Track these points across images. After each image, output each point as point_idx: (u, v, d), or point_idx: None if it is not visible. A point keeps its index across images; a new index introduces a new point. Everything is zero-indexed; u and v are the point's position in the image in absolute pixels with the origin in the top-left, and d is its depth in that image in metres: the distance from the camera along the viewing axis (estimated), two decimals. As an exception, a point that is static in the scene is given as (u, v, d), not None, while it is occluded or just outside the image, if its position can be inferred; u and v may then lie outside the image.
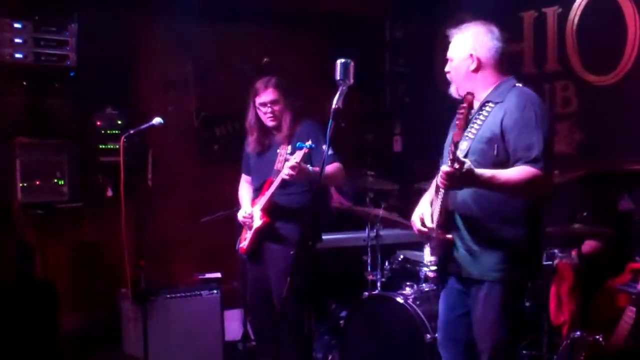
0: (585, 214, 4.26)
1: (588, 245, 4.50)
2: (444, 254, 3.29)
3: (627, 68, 4.93)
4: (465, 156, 3.10)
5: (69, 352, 4.99)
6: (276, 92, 4.32)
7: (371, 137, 7.01)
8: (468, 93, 2.94)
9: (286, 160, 4.09)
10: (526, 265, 3.21)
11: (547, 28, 5.39)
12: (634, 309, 3.93)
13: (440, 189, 3.12)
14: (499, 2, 5.60)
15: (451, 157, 2.88)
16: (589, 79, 5.16)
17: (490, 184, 3.04)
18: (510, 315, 3.20)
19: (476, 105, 3.28)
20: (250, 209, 4.40)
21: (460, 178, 2.93)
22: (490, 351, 3.19)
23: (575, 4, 5.18)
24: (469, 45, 3.28)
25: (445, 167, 2.92)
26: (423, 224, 3.29)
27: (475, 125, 3.19)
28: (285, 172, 4.02)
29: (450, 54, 3.36)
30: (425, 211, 3.33)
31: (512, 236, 3.15)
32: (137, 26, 5.73)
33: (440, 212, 3.18)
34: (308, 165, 4.07)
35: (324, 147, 4.18)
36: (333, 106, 3.07)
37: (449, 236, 3.21)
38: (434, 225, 3.22)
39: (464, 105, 2.89)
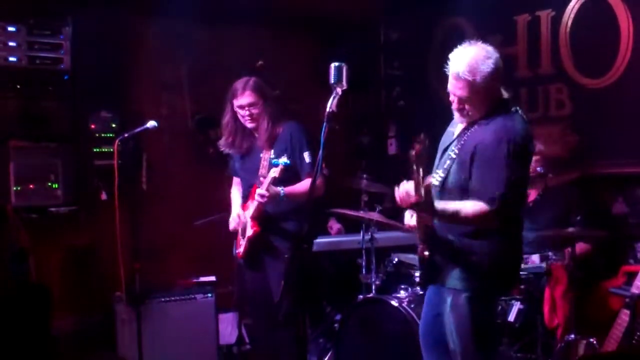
0: (579, 217, 4.27)
1: (578, 248, 4.52)
2: (423, 262, 3.38)
3: (620, 71, 4.94)
4: (448, 173, 3.23)
5: (64, 355, 4.98)
6: (254, 95, 4.28)
7: (366, 140, 7.01)
8: (414, 149, 3.00)
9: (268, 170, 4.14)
10: (493, 279, 3.27)
11: (540, 31, 5.41)
12: (627, 311, 3.94)
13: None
14: (492, 5, 5.62)
15: (415, 185, 3.03)
16: (582, 82, 5.18)
17: (448, 219, 3.19)
18: (476, 325, 3.25)
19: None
20: (241, 211, 4.42)
21: (423, 210, 3.11)
22: (459, 357, 3.28)
23: (569, 7, 5.19)
24: (489, 78, 3.18)
25: (410, 193, 3.08)
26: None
27: (458, 146, 3.27)
28: (256, 199, 4.13)
29: (459, 92, 3.23)
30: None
31: (477, 249, 3.23)
32: (132, 29, 5.72)
33: (419, 227, 3.27)
34: (279, 188, 4.13)
35: (306, 154, 4.21)
36: (327, 110, 3.08)
37: (426, 253, 3.29)
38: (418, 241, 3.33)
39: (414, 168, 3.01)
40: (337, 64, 3.10)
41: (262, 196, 4.10)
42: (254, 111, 4.29)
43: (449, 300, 3.28)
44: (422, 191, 3.01)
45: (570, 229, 4.26)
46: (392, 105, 6.86)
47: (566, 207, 4.68)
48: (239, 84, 4.34)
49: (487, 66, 3.17)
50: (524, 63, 5.55)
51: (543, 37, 5.40)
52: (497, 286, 3.37)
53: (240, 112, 4.32)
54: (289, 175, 4.18)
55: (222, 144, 4.46)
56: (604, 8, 4.96)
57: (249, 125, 4.34)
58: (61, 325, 5.09)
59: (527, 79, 5.51)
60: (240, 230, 4.42)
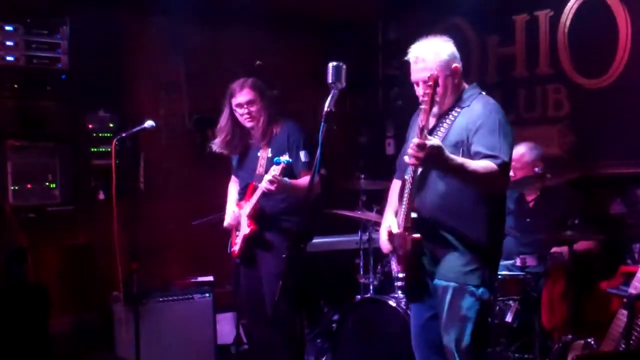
0: (577, 221, 4.27)
1: (581, 245, 4.52)
2: (411, 261, 3.29)
3: (618, 71, 4.95)
4: None
5: (61, 355, 4.97)
6: (252, 93, 4.28)
7: (364, 140, 7.02)
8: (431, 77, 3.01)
9: (266, 171, 4.09)
10: (488, 270, 3.26)
11: (539, 31, 5.41)
12: (625, 312, 3.93)
13: (406, 191, 3.18)
14: (491, 5, 5.62)
15: (420, 129, 2.96)
16: (580, 82, 5.18)
17: (457, 170, 3.06)
18: (474, 318, 3.23)
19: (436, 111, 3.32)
20: (237, 208, 4.41)
21: (430, 152, 2.94)
22: (456, 354, 3.24)
23: (567, 8, 5.20)
24: (449, 58, 3.27)
25: (415, 139, 2.95)
26: (390, 235, 3.35)
27: (442, 130, 3.26)
28: (264, 186, 4.05)
29: (422, 74, 3.22)
30: (392, 222, 3.39)
31: (475, 240, 3.21)
32: (129, 28, 5.71)
33: (406, 215, 3.20)
34: (285, 178, 4.08)
35: (302, 154, 4.20)
36: (325, 109, 3.07)
37: (417, 235, 3.20)
38: (400, 230, 3.25)
39: (430, 84, 3.00)
40: (335, 63, 3.09)
41: (271, 182, 3.98)
42: (252, 109, 4.29)
43: (446, 297, 3.24)
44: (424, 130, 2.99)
45: (568, 233, 4.25)
46: (390, 104, 6.85)
47: (565, 208, 4.67)
48: (236, 83, 4.35)
49: (445, 47, 3.28)
50: (522, 63, 5.56)
51: (541, 37, 5.40)
52: (492, 268, 3.34)
53: (239, 110, 4.31)
54: (286, 174, 4.17)
55: (217, 144, 4.43)
56: (603, 8, 4.96)
57: (248, 124, 4.33)
58: (59, 325, 5.08)
59: (525, 79, 5.51)
60: (235, 229, 4.42)
